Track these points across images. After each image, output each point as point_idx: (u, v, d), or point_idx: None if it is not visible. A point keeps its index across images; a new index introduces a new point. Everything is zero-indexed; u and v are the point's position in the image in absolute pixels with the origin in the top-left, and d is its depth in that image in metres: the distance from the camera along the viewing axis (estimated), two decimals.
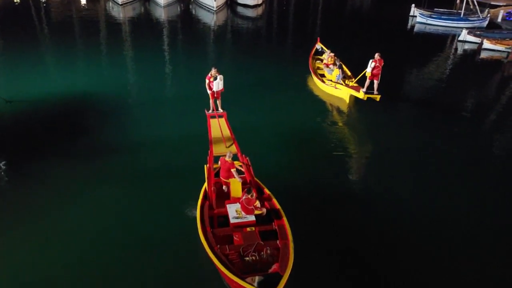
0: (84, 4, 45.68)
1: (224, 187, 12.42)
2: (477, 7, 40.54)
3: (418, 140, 18.04)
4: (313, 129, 18.80)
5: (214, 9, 43.24)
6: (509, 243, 12.16)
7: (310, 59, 25.65)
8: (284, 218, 10.98)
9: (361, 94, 20.02)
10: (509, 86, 26.04)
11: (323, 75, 23.45)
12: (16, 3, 44.11)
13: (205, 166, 12.87)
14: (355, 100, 20.97)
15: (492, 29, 37.72)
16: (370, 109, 20.51)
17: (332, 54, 24.10)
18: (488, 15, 40.43)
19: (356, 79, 21.06)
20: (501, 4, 47.80)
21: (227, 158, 12.26)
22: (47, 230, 11.74)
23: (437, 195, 14.18)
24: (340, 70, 22.11)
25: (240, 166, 13.07)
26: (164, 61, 27.20)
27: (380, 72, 19.47)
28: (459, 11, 42.24)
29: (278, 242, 10.21)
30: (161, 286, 10.23)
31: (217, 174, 12.87)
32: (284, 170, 15.13)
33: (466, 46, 33.92)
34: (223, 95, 16.01)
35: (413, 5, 44.38)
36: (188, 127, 17.48)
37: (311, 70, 24.22)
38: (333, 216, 12.82)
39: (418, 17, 42.27)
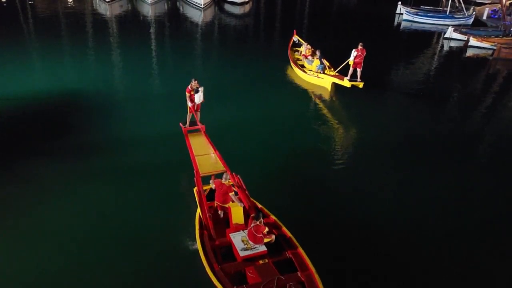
0: (71, 1, 45.25)
1: (219, 212, 11.23)
2: (462, 5, 40.99)
3: (406, 131, 18.33)
4: (300, 123, 18.90)
5: (202, 6, 43.10)
6: (499, 235, 12.35)
7: (289, 50, 26.55)
8: (299, 247, 9.76)
9: (345, 82, 21.11)
10: (495, 82, 26.46)
11: (303, 66, 24.37)
12: (3, 2, 43.52)
13: (194, 189, 11.91)
14: (336, 88, 22.07)
15: (478, 27, 38.18)
16: (352, 97, 21.45)
17: (309, 46, 25.43)
18: (474, 12, 40.92)
19: (338, 68, 22.18)
20: (486, 2, 48.38)
21: (223, 181, 10.99)
22: (33, 229, 11.57)
23: (433, 188, 14.36)
24: (320, 60, 23.02)
25: (232, 185, 11.55)
26: (151, 58, 27.02)
27: (362, 61, 20.60)
28: (445, 8, 42.65)
29: (299, 274, 9.12)
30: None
31: (208, 196, 11.69)
32: (273, 174, 14.50)
33: (452, 43, 34.30)
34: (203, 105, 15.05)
35: (399, 2, 44.69)
36: (176, 124, 17.13)
37: (291, 62, 25.11)
38: (332, 222, 12.33)
39: (405, 15, 42.63)
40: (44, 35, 31.24)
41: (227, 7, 46.50)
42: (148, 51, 28.41)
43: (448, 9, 41.88)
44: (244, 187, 11.53)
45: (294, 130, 18.17)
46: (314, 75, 22.85)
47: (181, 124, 14.88)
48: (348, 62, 21.00)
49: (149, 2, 43.87)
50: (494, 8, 43.59)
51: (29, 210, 12.26)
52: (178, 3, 46.74)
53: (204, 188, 11.80)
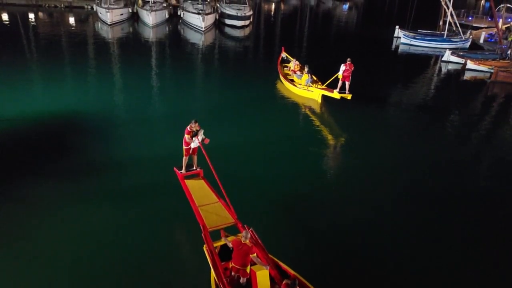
0: (73, 24, 45.84)
1: (234, 274, 9.67)
2: (459, 28, 41.62)
3: (403, 151, 18.30)
4: (296, 143, 18.97)
5: (202, 29, 43.70)
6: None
7: (279, 66, 28.35)
8: None
9: (335, 94, 22.85)
10: (493, 105, 26.72)
11: (292, 80, 25.96)
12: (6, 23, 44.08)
13: (203, 247, 10.41)
14: (325, 101, 23.70)
15: (475, 50, 38.68)
16: (343, 112, 22.75)
17: (297, 62, 27.29)
18: (470, 36, 41.50)
19: (327, 82, 23.70)
20: (482, 26, 49.11)
21: (243, 240, 9.30)
22: (29, 251, 11.41)
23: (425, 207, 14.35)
24: (309, 75, 24.60)
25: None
26: (151, 81, 27.19)
27: (350, 74, 22.46)
28: (442, 32, 43.28)
29: None
30: None
31: (220, 255, 10.19)
32: (277, 214, 13.55)
33: (450, 66, 34.68)
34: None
35: (397, 26, 45.38)
36: (175, 145, 16.45)
37: (281, 77, 26.84)
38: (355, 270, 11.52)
39: (402, 38, 43.24)
40: (46, 56, 31.51)
41: (228, 30, 47.15)
42: (148, 73, 28.63)
43: (445, 33, 42.52)
44: (260, 242, 10.14)
45: (291, 153, 18.01)
46: (304, 88, 24.40)
47: (175, 169, 13.38)
48: (337, 76, 22.71)
49: (150, 25, 44.47)
50: (491, 32, 44.23)
51: (25, 232, 12.11)
52: (179, 26, 47.43)
53: (215, 245, 10.28)
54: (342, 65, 22.40)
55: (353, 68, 22.40)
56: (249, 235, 9.39)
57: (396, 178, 16.46)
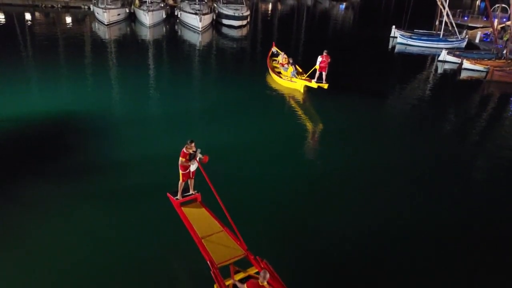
0: (70, 24, 45.77)
1: None
2: (455, 28, 41.80)
3: (399, 151, 18.40)
4: (294, 140, 19.17)
5: (200, 29, 43.72)
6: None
7: (268, 59, 30.16)
8: None
9: (313, 84, 24.58)
10: (488, 103, 26.95)
11: (279, 73, 27.65)
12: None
13: (214, 286, 9.28)
14: (309, 90, 25.22)
15: (471, 50, 38.88)
16: (332, 103, 24.19)
17: (286, 56, 28.73)
18: (466, 36, 41.72)
19: (307, 74, 25.30)
20: (478, 26, 49.34)
21: (261, 281, 7.98)
22: (31, 251, 11.42)
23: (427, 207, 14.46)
24: (293, 67, 26.50)
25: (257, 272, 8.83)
26: (148, 81, 27.17)
27: (326, 65, 24.00)
28: (438, 32, 43.50)
29: None
30: None
31: None
32: (279, 231, 12.74)
33: (446, 66, 34.82)
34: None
35: (393, 26, 45.58)
36: (173, 145, 15.72)
37: (270, 69, 28.46)
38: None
39: (399, 38, 43.39)
40: (42, 57, 31.36)
41: (225, 30, 47.18)
42: (145, 73, 28.63)
43: (442, 32, 42.73)
44: (276, 275, 9.01)
45: (289, 153, 17.99)
46: (288, 80, 26.23)
47: (170, 196, 12.06)
48: (315, 67, 24.19)
49: (148, 25, 44.49)
50: (486, 31, 44.47)
51: (25, 232, 12.10)
52: (176, 26, 47.42)
53: (227, 283, 9.07)
54: (319, 56, 23.92)
55: (329, 59, 23.82)
56: (267, 276, 7.97)
57: (395, 177, 16.52)
